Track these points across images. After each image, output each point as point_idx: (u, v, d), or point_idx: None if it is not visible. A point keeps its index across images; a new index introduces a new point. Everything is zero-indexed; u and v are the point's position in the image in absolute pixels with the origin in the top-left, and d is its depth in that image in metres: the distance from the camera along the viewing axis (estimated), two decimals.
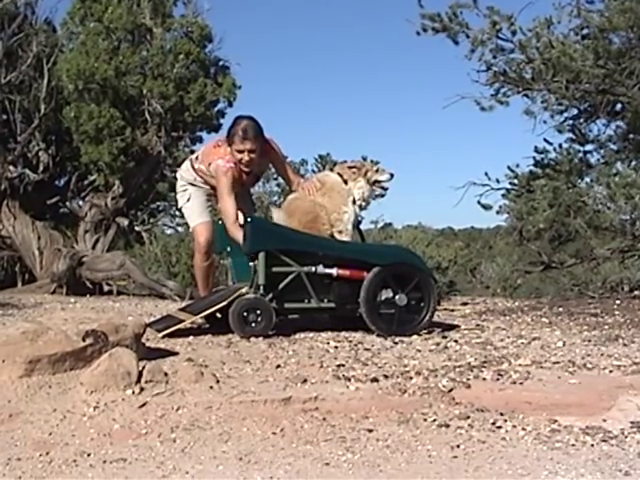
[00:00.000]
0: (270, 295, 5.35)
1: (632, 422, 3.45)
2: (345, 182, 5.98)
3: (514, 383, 4.07)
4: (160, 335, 5.19)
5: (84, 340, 4.01)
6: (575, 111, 9.47)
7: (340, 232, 5.84)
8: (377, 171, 6.07)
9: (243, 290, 5.37)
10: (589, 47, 8.50)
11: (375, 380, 4.06)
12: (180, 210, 6.53)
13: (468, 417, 3.52)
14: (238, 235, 5.58)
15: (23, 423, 3.44)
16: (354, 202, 5.96)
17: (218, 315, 5.55)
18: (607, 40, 8.47)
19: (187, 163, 6.33)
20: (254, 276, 5.40)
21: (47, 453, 3.15)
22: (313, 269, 5.44)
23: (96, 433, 3.34)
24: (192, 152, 8.47)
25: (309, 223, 5.78)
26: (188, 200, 6.22)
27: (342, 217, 5.87)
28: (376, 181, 6.05)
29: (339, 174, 6.05)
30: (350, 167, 6.05)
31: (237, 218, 5.67)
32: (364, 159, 6.10)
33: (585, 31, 8.84)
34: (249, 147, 5.83)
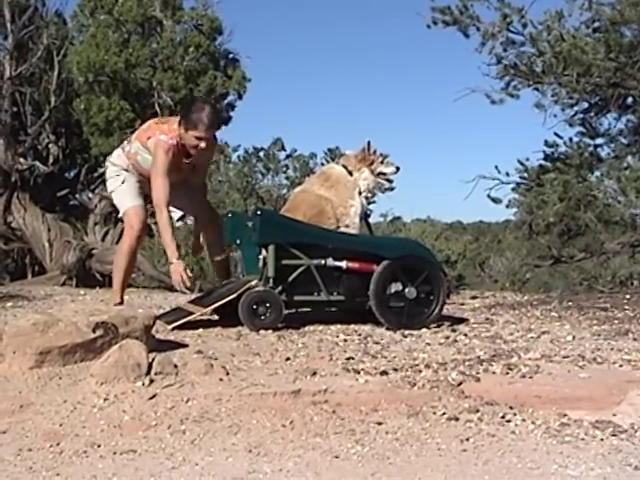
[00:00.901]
0: (279, 288, 5.35)
1: None
2: (350, 173, 5.97)
3: (524, 377, 4.06)
4: (170, 327, 5.19)
5: (94, 332, 4.02)
6: (586, 104, 9.44)
7: (347, 226, 5.83)
8: (382, 163, 6.05)
9: (253, 283, 5.38)
10: (600, 40, 8.47)
11: (384, 373, 4.06)
12: (110, 197, 6.16)
13: (477, 410, 3.52)
14: (160, 219, 5.53)
15: (34, 414, 3.45)
16: (360, 193, 5.95)
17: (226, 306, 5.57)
18: (618, 33, 8.44)
19: (118, 150, 6.04)
20: (264, 269, 5.41)
21: (57, 444, 3.16)
22: (323, 262, 5.43)
23: (106, 424, 3.35)
24: None
25: (315, 217, 5.77)
26: (123, 182, 5.87)
27: (349, 211, 5.86)
28: (381, 173, 6.04)
29: (344, 166, 6.04)
30: (357, 156, 6.03)
31: (166, 201, 5.53)
32: (374, 152, 6.06)
33: (596, 24, 8.81)
34: (209, 136, 5.67)
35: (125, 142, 6.02)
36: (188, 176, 5.90)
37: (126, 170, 5.87)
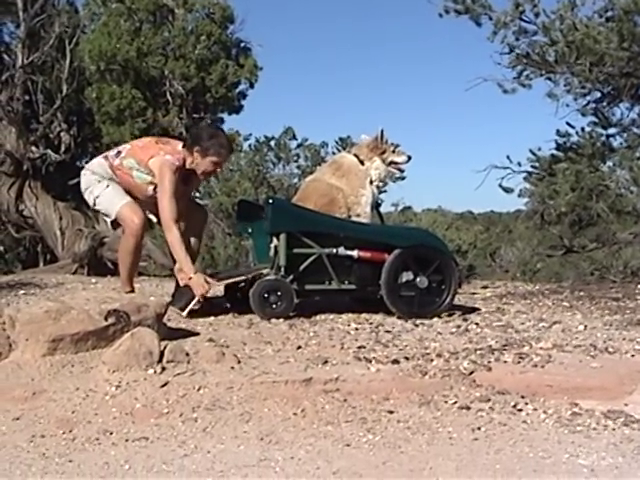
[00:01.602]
0: (291, 276, 5.36)
1: None
2: (362, 162, 5.97)
3: (535, 366, 4.06)
4: (184, 314, 5.18)
5: (106, 319, 4.03)
6: (598, 94, 9.38)
7: (358, 215, 5.83)
8: (394, 152, 6.05)
9: (264, 271, 5.39)
10: (613, 29, 8.41)
11: (396, 362, 4.06)
12: (94, 204, 5.79)
13: (489, 400, 3.53)
14: (170, 237, 5.36)
15: (46, 401, 3.47)
16: (371, 182, 5.94)
17: (238, 294, 5.59)
18: (632, 22, 8.36)
19: (99, 160, 5.84)
20: (275, 257, 5.41)
21: (70, 431, 3.18)
22: (334, 251, 5.43)
23: (118, 412, 3.37)
24: None
25: (326, 206, 5.77)
26: (107, 187, 5.64)
27: (360, 200, 5.86)
28: (392, 162, 6.03)
29: (355, 155, 6.04)
30: (368, 145, 6.02)
31: (174, 220, 5.35)
32: (386, 141, 6.05)
33: (609, 13, 8.74)
34: (225, 161, 5.78)
35: (110, 153, 5.81)
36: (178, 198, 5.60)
37: (109, 179, 5.67)
